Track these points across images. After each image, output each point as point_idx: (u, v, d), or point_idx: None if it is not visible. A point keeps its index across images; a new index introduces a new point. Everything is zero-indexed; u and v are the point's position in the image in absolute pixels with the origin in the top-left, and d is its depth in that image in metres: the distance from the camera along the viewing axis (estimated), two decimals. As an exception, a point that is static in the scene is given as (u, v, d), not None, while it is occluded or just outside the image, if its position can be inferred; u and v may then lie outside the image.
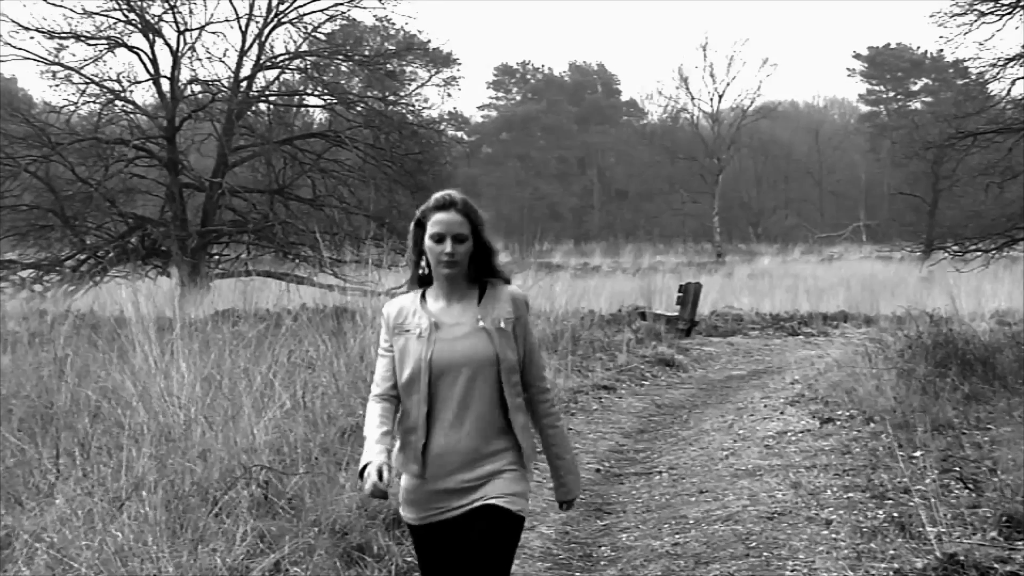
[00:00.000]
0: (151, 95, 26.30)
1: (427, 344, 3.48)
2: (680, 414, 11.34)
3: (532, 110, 69.84)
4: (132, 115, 24.22)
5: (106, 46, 23.68)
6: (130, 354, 7.52)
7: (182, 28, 23.81)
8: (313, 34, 25.24)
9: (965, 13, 20.37)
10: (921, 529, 5.86)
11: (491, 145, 70.35)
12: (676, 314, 18.64)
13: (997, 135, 20.77)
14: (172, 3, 23.56)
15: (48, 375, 8.06)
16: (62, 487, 5.42)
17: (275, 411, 6.82)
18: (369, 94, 26.05)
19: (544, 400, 3.66)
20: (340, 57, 26.18)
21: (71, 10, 24.49)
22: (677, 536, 6.46)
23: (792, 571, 5.64)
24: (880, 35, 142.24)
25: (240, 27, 24.31)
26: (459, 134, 56.71)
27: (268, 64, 25.01)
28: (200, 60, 45.74)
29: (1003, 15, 20.13)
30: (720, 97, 55.67)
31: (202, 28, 24.10)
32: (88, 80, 23.75)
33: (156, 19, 23.66)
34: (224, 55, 36.21)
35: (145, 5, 23.57)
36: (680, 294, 19.22)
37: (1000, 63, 21.03)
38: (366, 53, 27.50)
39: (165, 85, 24.04)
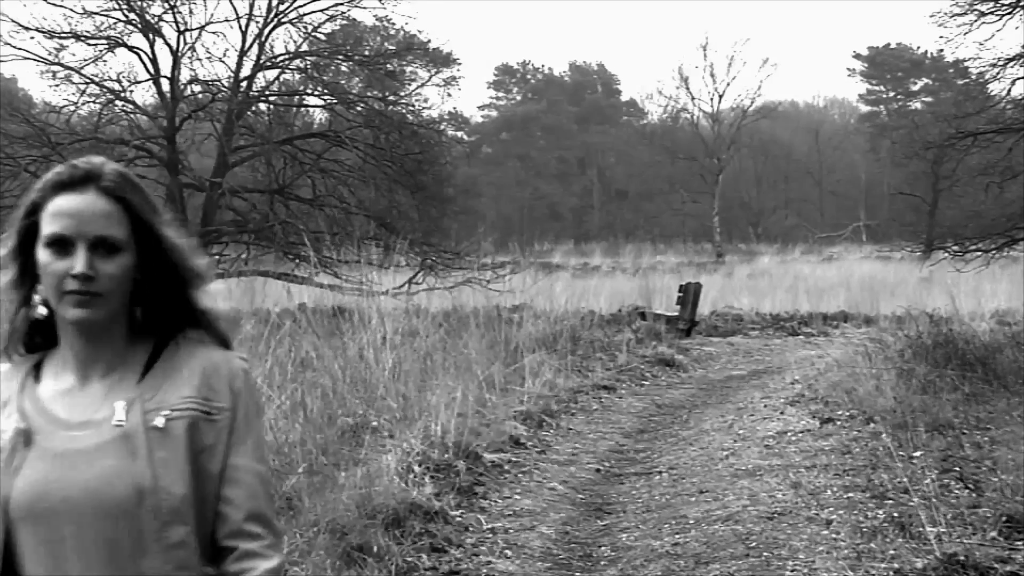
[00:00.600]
0: (151, 95, 26.29)
1: (7, 467, 1.79)
2: (680, 414, 11.34)
3: (532, 110, 69.83)
4: (132, 115, 24.23)
5: (106, 46, 23.67)
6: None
7: (182, 28, 23.80)
8: (313, 34, 25.24)
9: (965, 13, 20.33)
10: (921, 529, 5.86)
11: (491, 145, 70.33)
12: (676, 314, 18.62)
13: (997, 135, 20.72)
14: (172, 3, 23.55)
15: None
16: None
17: (274, 411, 6.81)
18: (369, 94, 26.04)
19: (252, 569, 1.81)
20: (340, 57, 26.18)
21: (71, 10, 24.44)
22: (677, 536, 6.45)
23: (792, 571, 5.64)
24: (880, 35, 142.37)
25: (240, 27, 24.31)
26: (459, 134, 56.66)
27: (268, 64, 25.01)
28: (200, 60, 45.64)
29: (1003, 15, 20.09)
30: (720, 97, 55.66)
31: (202, 28, 24.09)
32: (88, 80, 23.76)
33: (156, 19, 23.66)
34: (224, 55, 36.10)
35: (145, 5, 23.57)
36: (680, 294, 19.19)
37: (1000, 63, 20.99)
38: (366, 53, 27.49)
39: (165, 85, 24.02)
